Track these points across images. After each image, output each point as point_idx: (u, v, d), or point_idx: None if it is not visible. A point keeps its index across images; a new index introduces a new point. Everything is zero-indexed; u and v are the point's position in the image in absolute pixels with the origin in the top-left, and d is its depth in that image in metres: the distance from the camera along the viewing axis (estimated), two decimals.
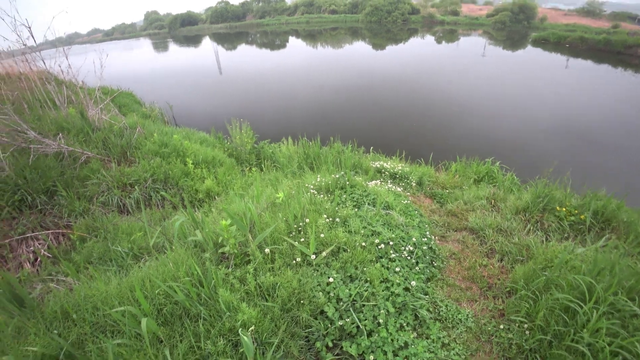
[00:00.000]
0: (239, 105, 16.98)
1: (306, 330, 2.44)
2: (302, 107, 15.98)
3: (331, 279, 2.62)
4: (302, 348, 2.41)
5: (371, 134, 12.21)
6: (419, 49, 36.70)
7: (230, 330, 2.28)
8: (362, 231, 3.11)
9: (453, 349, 2.60)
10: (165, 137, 7.37)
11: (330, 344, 2.42)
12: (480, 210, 4.70)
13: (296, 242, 2.84)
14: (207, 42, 55.20)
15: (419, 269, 3.05)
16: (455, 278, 3.34)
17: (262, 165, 6.90)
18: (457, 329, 2.77)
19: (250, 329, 2.20)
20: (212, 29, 74.11)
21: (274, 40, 52.40)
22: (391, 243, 3.04)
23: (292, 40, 50.87)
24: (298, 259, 2.76)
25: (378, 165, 5.65)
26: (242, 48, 46.30)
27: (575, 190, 5.04)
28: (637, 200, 4.93)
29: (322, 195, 3.75)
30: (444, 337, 2.68)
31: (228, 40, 56.17)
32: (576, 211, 4.34)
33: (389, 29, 53.01)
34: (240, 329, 2.16)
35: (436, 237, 4.05)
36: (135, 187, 5.91)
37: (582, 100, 16.78)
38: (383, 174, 5.51)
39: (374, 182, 4.72)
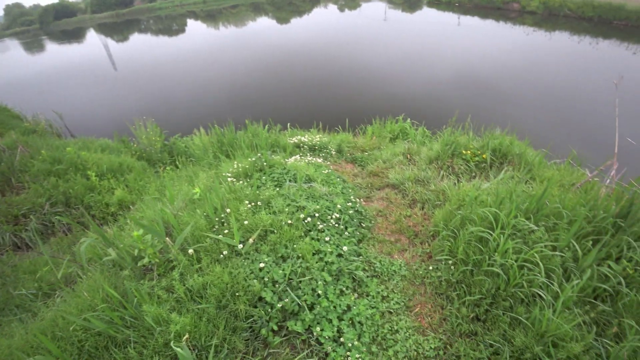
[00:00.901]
0: (143, 101, 15.40)
1: (248, 321, 2.36)
2: (213, 94, 15.13)
3: (262, 264, 2.54)
4: (247, 340, 2.33)
5: (287, 110, 12.10)
6: (324, 19, 36.84)
7: (165, 345, 2.11)
8: (287, 209, 3.06)
9: (392, 299, 2.74)
10: (57, 152, 6.41)
11: (276, 328, 2.38)
12: (399, 166, 4.96)
13: (220, 236, 2.69)
14: (92, 36, 48.70)
15: (349, 233, 3.12)
16: (384, 234, 3.50)
17: (177, 163, 6.42)
18: (393, 279, 2.92)
19: (184, 337, 2.05)
20: (96, 19, 65.36)
21: (170, 26, 48.18)
22: (317, 215, 3.04)
23: (191, 24, 47.37)
24: (225, 252, 2.62)
25: (296, 140, 5.60)
26: (136, 38, 41.81)
27: (477, 133, 5.58)
28: (524, 134, 5.62)
29: (241, 182, 3.59)
30: (382, 290, 2.81)
31: (117, 30, 50.20)
32: (479, 152, 4.81)
33: (291, 2, 52.09)
34: (172, 342, 2.00)
35: (362, 199, 4.18)
36: (31, 216, 5.10)
37: (474, 53, 18.50)
38: (302, 148, 5.49)
39: (293, 158, 4.67)
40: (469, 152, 4.80)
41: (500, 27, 27.09)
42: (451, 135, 5.22)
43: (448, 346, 2.33)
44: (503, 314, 2.23)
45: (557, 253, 2.30)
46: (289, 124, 8.40)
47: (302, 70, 17.04)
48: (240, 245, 2.66)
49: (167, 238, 2.69)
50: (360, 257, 3.06)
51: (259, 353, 2.30)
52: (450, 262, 2.80)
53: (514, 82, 13.89)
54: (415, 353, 2.33)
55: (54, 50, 39.72)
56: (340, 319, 2.47)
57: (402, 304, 2.71)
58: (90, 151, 7.30)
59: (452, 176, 4.48)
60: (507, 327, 2.15)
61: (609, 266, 2.22)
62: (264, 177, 3.70)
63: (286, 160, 4.45)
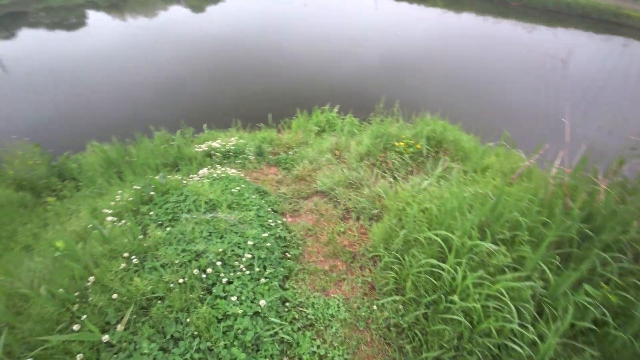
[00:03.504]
0: (44, 108, 12.16)
1: None
2: (126, 94, 12.94)
3: None
4: None
5: (205, 109, 10.75)
6: (241, 5, 34.89)
7: None
8: (178, 259, 2.19)
9: (332, 358, 2.08)
10: None
11: None
12: (327, 166, 4.30)
13: (74, 330, 1.76)
14: None
15: (268, 275, 2.36)
16: (316, 260, 2.82)
17: (65, 190, 5.04)
18: (332, 327, 2.25)
19: None
20: None
21: (67, 18, 41.92)
22: (219, 263, 2.21)
23: (93, 15, 41.70)
24: (80, 357, 1.70)
25: (206, 148, 4.62)
26: (26, 34, 35.56)
27: (407, 120, 5.15)
28: (454, 117, 5.36)
29: (123, 222, 2.63)
30: (318, 347, 2.12)
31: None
32: (412, 142, 4.34)
33: None
34: None
35: (287, 215, 3.45)
36: None
37: (395, 35, 18.61)
38: (214, 157, 4.54)
39: (201, 171, 3.76)
40: (402, 143, 4.31)
41: (414, 9, 27.97)
42: (381, 125, 4.71)
43: None
44: None
45: (526, 284, 1.78)
46: (205, 125, 7.29)
47: (221, 63, 15.56)
48: (106, 337, 1.76)
49: None
50: (287, 303, 2.34)
51: None
52: (397, 299, 2.20)
53: (433, 62, 14.12)
54: None
55: None
56: None
57: None
58: None
59: (388, 173, 3.95)
60: None
61: (586, 292, 1.76)
62: (151, 212, 2.74)
63: (190, 177, 3.52)
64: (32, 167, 6.18)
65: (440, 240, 2.03)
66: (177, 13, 35.53)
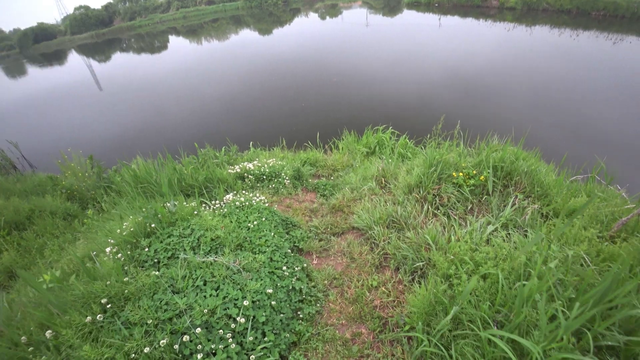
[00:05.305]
0: (129, 123, 12.97)
1: None
2: (191, 110, 13.58)
3: None
4: None
5: (258, 123, 10.68)
6: (306, 27, 36.06)
7: None
8: (155, 317, 1.75)
9: None
10: None
11: None
12: (369, 196, 3.68)
13: None
14: (74, 57, 47.06)
15: (267, 344, 1.80)
16: (336, 323, 2.21)
17: (103, 205, 5.05)
18: None
19: None
20: (76, 40, 63.69)
21: (152, 43, 46.89)
22: (199, 330, 1.69)
23: (173, 40, 46.13)
24: None
25: (239, 170, 4.27)
26: (118, 57, 40.21)
27: (470, 145, 4.35)
28: (529, 141, 4.43)
29: (119, 256, 2.30)
30: None
31: (98, 50, 48.56)
32: (474, 172, 3.56)
33: (271, 12, 51.19)
34: None
35: (314, 256, 2.90)
36: None
37: (460, 51, 17.49)
38: (246, 180, 4.16)
39: (227, 196, 3.38)
40: (461, 173, 3.55)
41: (480, 25, 26.45)
42: (436, 150, 3.98)
43: None
44: None
45: None
46: (251, 142, 7.11)
47: (278, 80, 15.76)
48: None
49: None
50: None
51: None
52: None
53: (501, 80, 12.79)
54: None
55: (35, 74, 37.88)
56: None
57: None
58: (4, 194, 6.00)
59: (441, 210, 3.21)
60: None
61: None
62: (148, 248, 2.38)
63: (212, 203, 3.16)
64: (82, 178, 6.40)
65: (505, 348, 1.31)
66: (247, 36, 37.79)
